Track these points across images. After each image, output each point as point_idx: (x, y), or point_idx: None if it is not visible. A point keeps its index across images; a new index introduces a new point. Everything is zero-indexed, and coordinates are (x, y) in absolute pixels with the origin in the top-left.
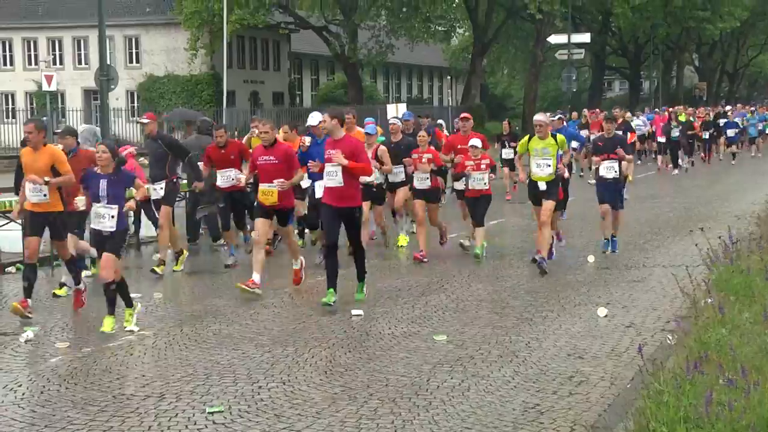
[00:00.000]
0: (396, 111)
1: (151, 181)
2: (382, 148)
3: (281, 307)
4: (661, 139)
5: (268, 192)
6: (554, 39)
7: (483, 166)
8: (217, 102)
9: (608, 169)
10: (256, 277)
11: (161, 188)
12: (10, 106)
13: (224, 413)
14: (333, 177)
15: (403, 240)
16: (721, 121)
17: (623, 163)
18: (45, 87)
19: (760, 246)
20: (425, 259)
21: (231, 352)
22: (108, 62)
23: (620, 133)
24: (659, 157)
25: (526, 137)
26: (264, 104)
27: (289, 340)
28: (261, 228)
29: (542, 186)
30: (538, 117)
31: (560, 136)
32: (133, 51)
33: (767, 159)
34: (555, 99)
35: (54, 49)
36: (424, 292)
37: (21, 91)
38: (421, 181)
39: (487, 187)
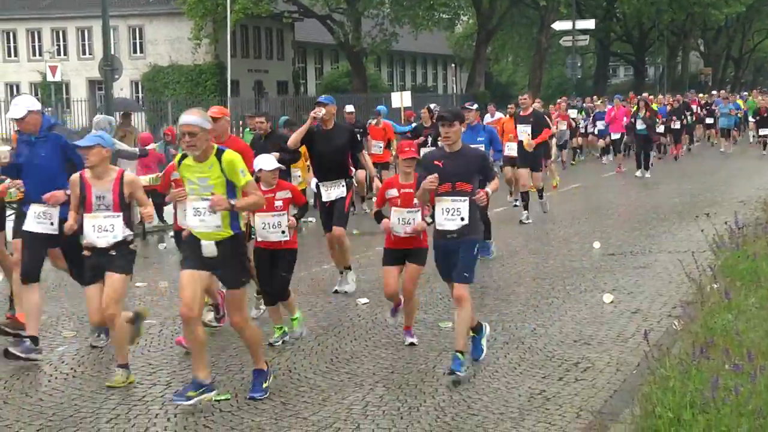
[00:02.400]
0: (400, 99)
1: None
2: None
3: None
4: (616, 136)
5: None
6: (559, 26)
7: (279, 204)
8: (221, 91)
9: (450, 214)
10: None
11: None
12: (15, 96)
13: (230, 401)
14: None
15: None
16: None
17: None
18: (49, 78)
19: (766, 231)
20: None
21: (237, 340)
22: (112, 52)
23: (475, 144)
24: (619, 156)
25: (179, 156)
26: (268, 93)
27: None
28: None
29: (208, 249)
30: (187, 117)
31: (230, 155)
32: (137, 41)
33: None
34: (560, 86)
35: (58, 40)
36: (429, 279)
37: (25, 82)
38: (271, 230)
39: (288, 238)
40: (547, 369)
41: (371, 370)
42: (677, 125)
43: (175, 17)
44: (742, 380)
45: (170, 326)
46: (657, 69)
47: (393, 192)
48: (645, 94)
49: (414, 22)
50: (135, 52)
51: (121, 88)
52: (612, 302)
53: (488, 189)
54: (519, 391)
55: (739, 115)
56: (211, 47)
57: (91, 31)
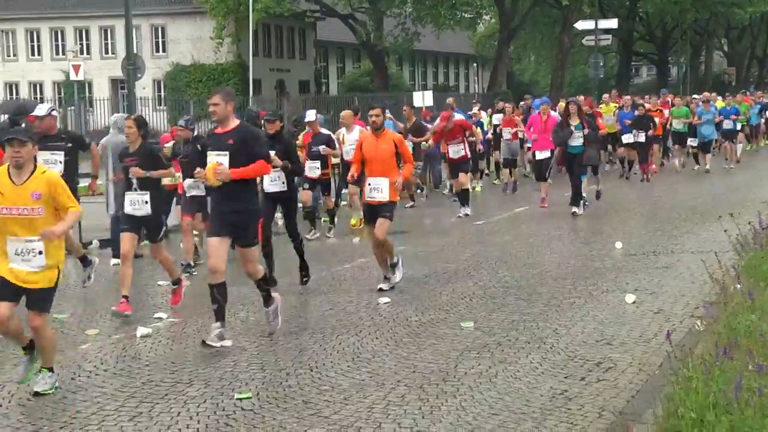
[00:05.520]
0: (422, 99)
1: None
2: None
3: (308, 294)
4: (542, 155)
5: None
6: (581, 25)
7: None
8: (243, 91)
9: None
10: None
11: None
12: (38, 95)
13: (252, 399)
14: None
15: None
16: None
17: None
18: (72, 77)
19: None
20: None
21: (258, 339)
22: (135, 51)
23: None
24: (542, 184)
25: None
26: (290, 92)
27: (316, 327)
28: None
29: None
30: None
31: None
32: (160, 40)
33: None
34: (582, 85)
35: (81, 39)
36: (451, 278)
37: (49, 80)
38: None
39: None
40: (569, 369)
41: (393, 370)
42: (641, 138)
43: (197, 16)
44: (765, 381)
45: (192, 324)
46: (680, 68)
47: None
48: (580, 97)
49: (436, 21)
50: (157, 51)
51: (144, 87)
52: (634, 302)
53: None
54: (541, 391)
55: (739, 120)
56: (233, 46)
57: (113, 30)
